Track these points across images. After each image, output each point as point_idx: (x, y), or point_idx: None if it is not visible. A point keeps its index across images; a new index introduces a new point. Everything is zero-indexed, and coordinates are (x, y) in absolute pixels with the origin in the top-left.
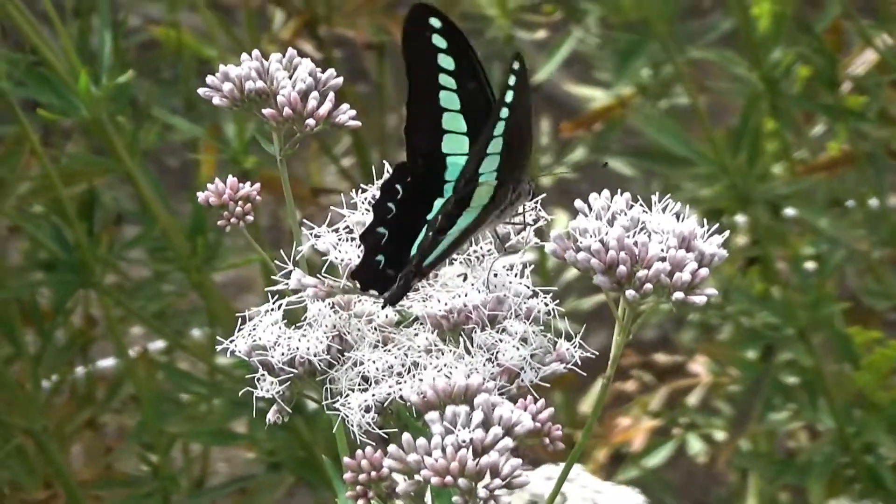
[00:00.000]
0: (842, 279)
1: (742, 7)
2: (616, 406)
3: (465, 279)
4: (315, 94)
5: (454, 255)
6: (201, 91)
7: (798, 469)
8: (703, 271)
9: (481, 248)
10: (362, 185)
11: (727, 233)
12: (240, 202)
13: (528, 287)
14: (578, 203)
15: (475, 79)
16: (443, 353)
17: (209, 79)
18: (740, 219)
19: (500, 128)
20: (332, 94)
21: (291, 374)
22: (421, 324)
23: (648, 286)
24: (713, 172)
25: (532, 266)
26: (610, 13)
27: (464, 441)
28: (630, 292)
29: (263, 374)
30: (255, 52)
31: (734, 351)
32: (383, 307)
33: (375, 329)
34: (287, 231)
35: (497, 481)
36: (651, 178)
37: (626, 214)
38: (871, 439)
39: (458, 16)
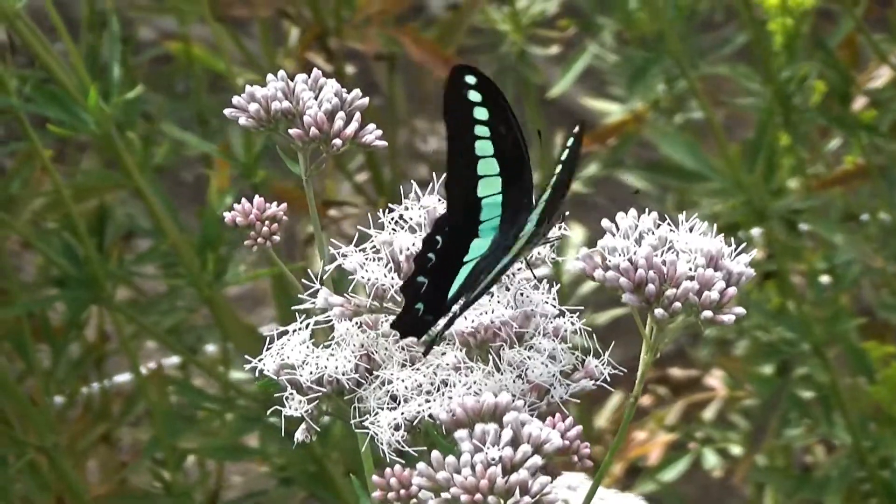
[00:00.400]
0: (857, 294)
1: (756, 22)
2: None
3: (491, 296)
4: (341, 113)
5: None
6: (227, 111)
7: (815, 484)
8: (732, 290)
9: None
10: (389, 206)
11: (754, 252)
12: (266, 222)
13: (555, 305)
14: (605, 222)
15: (506, 123)
16: (472, 371)
17: (235, 99)
18: (756, 233)
19: (553, 182)
20: (357, 115)
21: (320, 393)
22: (448, 342)
23: (677, 305)
24: (728, 187)
25: (548, 281)
26: (625, 27)
27: (493, 459)
28: (659, 311)
29: (292, 393)
30: (281, 73)
31: (750, 366)
32: (424, 354)
33: (403, 348)
34: (300, 243)
35: (526, 499)
36: (665, 192)
37: (653, 233)
38: (887, 453)
39: (469, 31)
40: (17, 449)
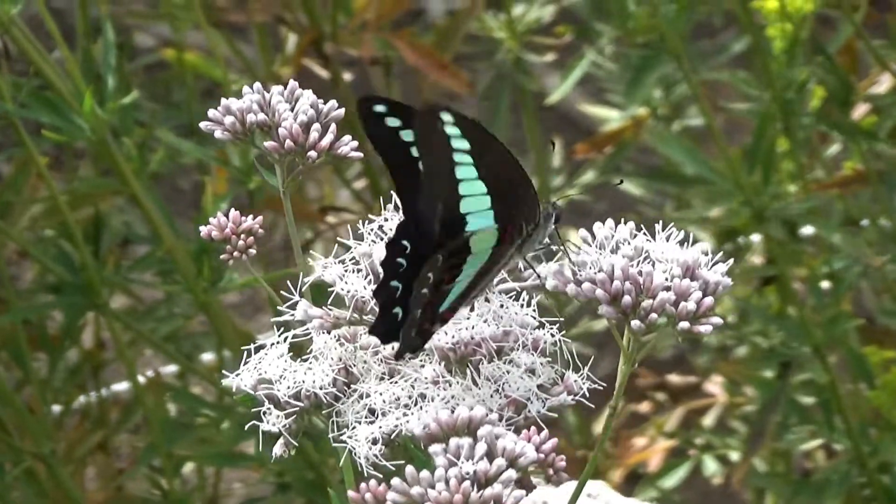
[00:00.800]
0: (857, 298)
1: (756, 27)
2: (632, 427)
3: (471, 310)
4: (317, 125)
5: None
6: (202, 125)
7: (814, 488)
8: (708, 300)
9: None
10: (369, 217)
11: (731, 261)
12: (242, 236)
13: (535, 318)
14: (582, 232)
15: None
16: (450, 385)
17: (211, 112)
18: (755, 238)
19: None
20: (333, 126)
21: (297, 408)
22: (427, 356)
23: (654, 316)
24: (727, 190)
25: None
26: (623, 32)
27: (467, 473)
28: (636, 323)
29: (269, 408)
30: (257, 85)
31: (750, 370)
32: (396, 358)
33: (382, 361)
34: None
35: None
36: (665, 198)
37: (629, 243)
38: (887, 458)
39: (465, 39)
40: (14, 456)
